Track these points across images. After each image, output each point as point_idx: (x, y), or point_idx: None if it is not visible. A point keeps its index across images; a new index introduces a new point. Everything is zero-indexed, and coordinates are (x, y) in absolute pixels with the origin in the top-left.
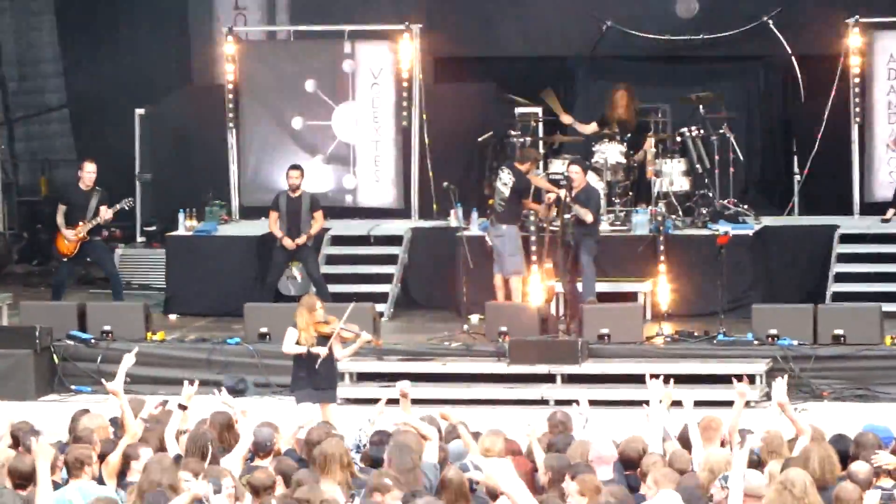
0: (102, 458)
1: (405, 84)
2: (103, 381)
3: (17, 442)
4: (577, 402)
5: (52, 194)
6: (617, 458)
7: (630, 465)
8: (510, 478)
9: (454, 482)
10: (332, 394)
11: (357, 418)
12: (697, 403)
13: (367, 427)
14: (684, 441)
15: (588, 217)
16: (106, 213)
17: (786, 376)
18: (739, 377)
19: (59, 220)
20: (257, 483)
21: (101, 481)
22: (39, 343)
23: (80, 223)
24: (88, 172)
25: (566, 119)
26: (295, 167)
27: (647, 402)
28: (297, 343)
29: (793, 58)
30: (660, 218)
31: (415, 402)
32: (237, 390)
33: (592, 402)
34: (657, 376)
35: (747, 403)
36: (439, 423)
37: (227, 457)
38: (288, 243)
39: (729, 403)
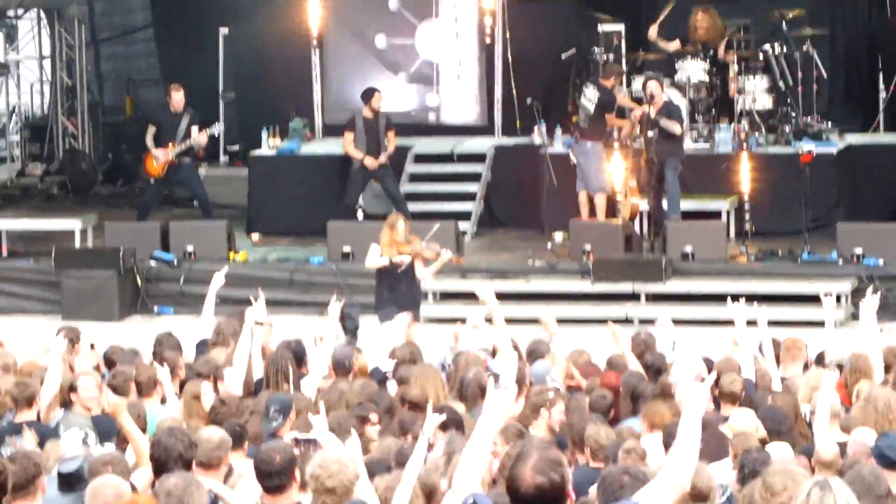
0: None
1: (489, 1)
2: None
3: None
4: (662, 324)
5: (140, 114)
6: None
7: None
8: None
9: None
10: (416, 313)
11: (441, 337)
12: (782, 323)
13: (451, 344)
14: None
15: (676, 129)
16: (200, 137)
17: (878, 294)
18: (826, 295)
19: (149, 140)
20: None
21: None
22: (123, 264)
23: (171, 144)
24: (176, 99)
25: (651, 34)
26: (379, 90)
27: (731, 323)
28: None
29: None
30: (743, 135)
31: None
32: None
33: (676, 322)
34: (738, 298)
35: (833, 323)
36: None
37: (304, 380)
38: (370, 162)
39: (813, 323)
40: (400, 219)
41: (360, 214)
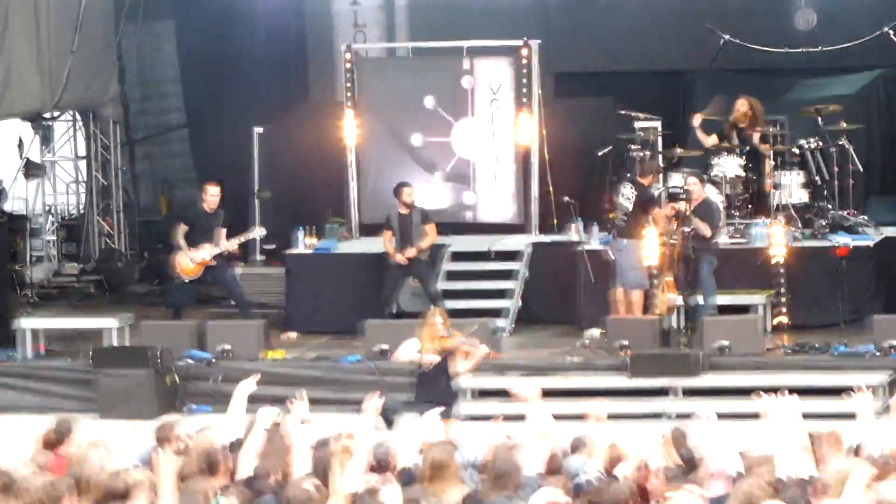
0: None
1: (524, 99)
2: None
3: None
4: (701, 417)
5: (173, 213)
6: (735, 477)
7: None
8: None
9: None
10: (452, 410)
11: (478, 434)
12: (819, 416)
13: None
14: None
15: (707, 231)
16: (231, 244)
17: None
18: (857, 390)
19: (180, 239)
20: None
21: None
22: (160, 363)
23: (205, 245)
24: (212, 196)
25: (695, 121)
26: (409, 184)
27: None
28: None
29: None
30: (779, 230)
31: None
32: (385, 417)
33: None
34: (772, 391)
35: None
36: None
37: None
38: (399, 258)
39: (849, 416)
40: (438, 313)
41: (395, 308)
